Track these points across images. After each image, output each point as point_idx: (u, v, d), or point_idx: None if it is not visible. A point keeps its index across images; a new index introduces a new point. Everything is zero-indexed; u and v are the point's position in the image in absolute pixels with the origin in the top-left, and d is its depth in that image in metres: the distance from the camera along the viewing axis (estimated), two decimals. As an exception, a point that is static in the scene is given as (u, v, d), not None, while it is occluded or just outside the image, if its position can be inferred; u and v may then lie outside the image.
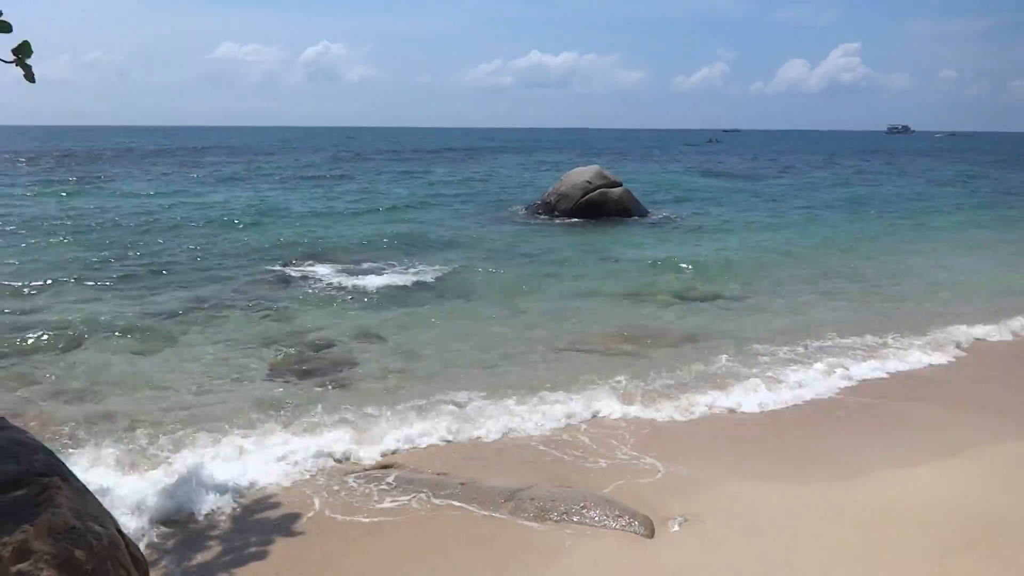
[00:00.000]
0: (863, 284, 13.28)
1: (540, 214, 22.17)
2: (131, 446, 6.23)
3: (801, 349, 9.19)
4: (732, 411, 7.29)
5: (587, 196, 21.50)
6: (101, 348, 8.85)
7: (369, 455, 6.08)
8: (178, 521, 5.02)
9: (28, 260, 14.11)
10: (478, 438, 6.53)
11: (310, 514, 5.20)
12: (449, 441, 6.44)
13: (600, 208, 21.35)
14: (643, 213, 22.45)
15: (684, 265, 14.79)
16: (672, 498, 5.41)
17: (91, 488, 3.65)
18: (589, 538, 4.88)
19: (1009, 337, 10.00)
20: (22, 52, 3.00)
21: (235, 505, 5.25)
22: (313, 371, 8.31)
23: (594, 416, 7.02)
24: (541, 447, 6.41)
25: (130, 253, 15.16)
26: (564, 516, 5.11)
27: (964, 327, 10.06)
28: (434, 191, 30.19)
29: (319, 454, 6.06)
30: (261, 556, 4.66)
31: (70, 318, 10.06)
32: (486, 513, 5.21)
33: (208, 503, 5.22)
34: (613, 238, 18.42)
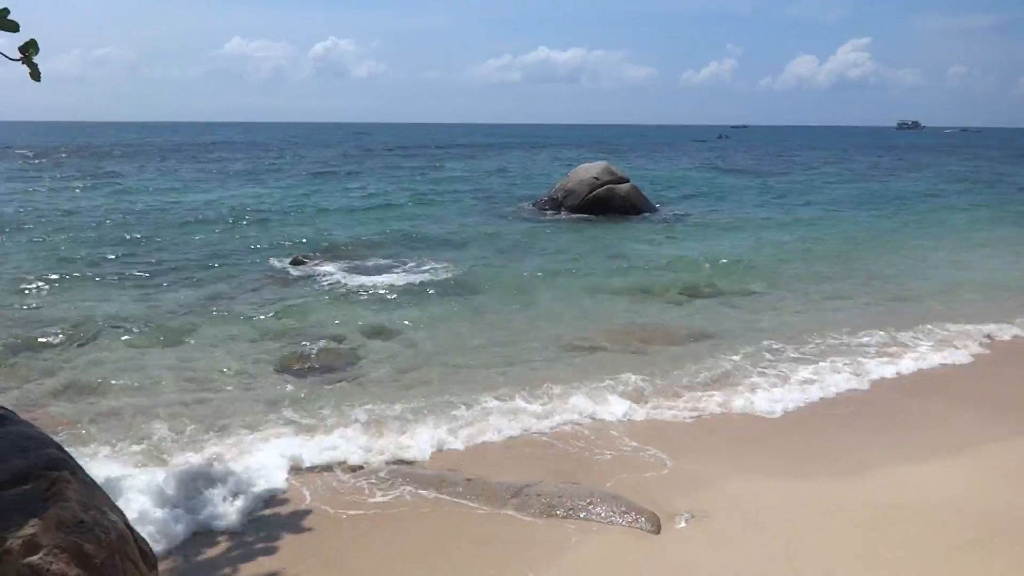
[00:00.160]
0: (876, 281, 13.19)
1: (547, 210, 22.15)
2: (138, 441, 6.27)
3: (810, 347, 9.15)
4: (739, 408, 7.26)
5: (594, 192, 21.46)
6: (109, 344, 8.89)
7: (376, 453, 6.09)
8: (186, 517, 5.04)
9: (38, 255, 14.20)
10: (485, 435, 6.53)
11: (316, 511, 5.21)
12: (456, 438, 6.44)
13: (607, 204, 21.31)
14: (651, 209, 22.41)
15: (691, 262, 14.75)
16: (679, 494, 5.40)
17: (99, 483, 3.68)
18: (595, 534, 4.88)
19: (1024, 335, 9.90)
20: (29, 50, 3.01)
21: (242, 501, 5.26)
22: (321, 369, 8.33)
23: (601, 413, 7.00)
24: (548, 444, 6.41)
25: (138, 249, 15.23)
26: (570, 512, 5.12)
27: (979, 325, 9.99)
28: (442, 187, 30.18)
29: (326, 451, 6.07)
30: (267, 552, 4.68)
31: (78, 314, 10.12)
32: (492, 509, 5.22)
33: (216, 499, 5.24)
34: (620, 235, 18.38)
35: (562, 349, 9.06)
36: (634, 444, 6.39)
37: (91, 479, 3.45)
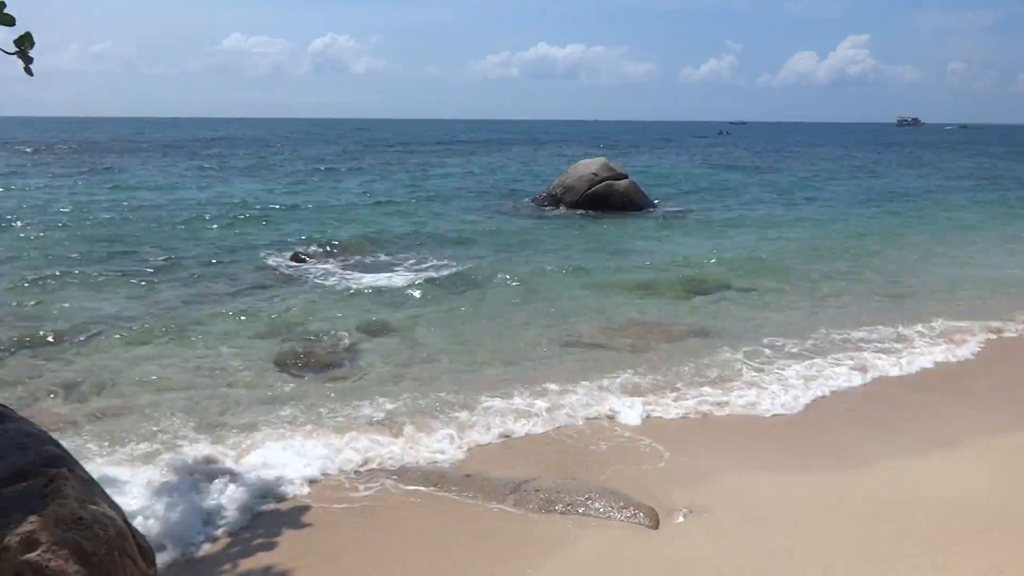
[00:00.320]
0: (878, 277, 13.17)
1: (546, 206, 22.15)
2: (137, 438, 6.26)
3: (811, 342, 9.15)
4: (739, 404, 7.26)
5: (593, 188, 21.46)
6: (108, 341, 8.88)
7: (375, 450, 6.09)
8: (184, 513, 5.04)
9: (36, 252, 14.17)
10: (484, 432, 6.53)
11: (315, 508, 5.22)
12: (455, 435, 6.45)
13: (606, 200, 21.31)
14: (650, 205, 22.41)
15: (691, 258, 14.75)
16: (678, 489, 5.41)
17: (97, 479, 3.68)
18: (594, 529, 4.89)
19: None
20: (24, 43, 3.00)
21: (241, 498, 5.26)
22: (321, 366, 8.33)
23: (600, 410, 7.01)
24: (547, 440, 6.42)
25: (137, 246, 15.20)
26: (569, 507, 5.12)
27: (981, 321, 10.00)
28: (442, 183, 30.18)
29: (326, 449, 6.07)
30: (267, 548, 4.69)
31: (77, 311, 10.11)
32: (490, 505, 5.22)
33: (214, 496, 5.24)
34: (619, 231, 18.38)
35: (561, 345, 9.07)
36: (632, 439, 6.40)
37: (89, 476, 3.45)
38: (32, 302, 10.59)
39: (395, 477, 5.65)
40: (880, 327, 9.76)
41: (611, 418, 6.86)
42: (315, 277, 12.79)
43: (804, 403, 7.34)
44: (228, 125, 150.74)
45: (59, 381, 7.59)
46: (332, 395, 7.34)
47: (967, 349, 9.02)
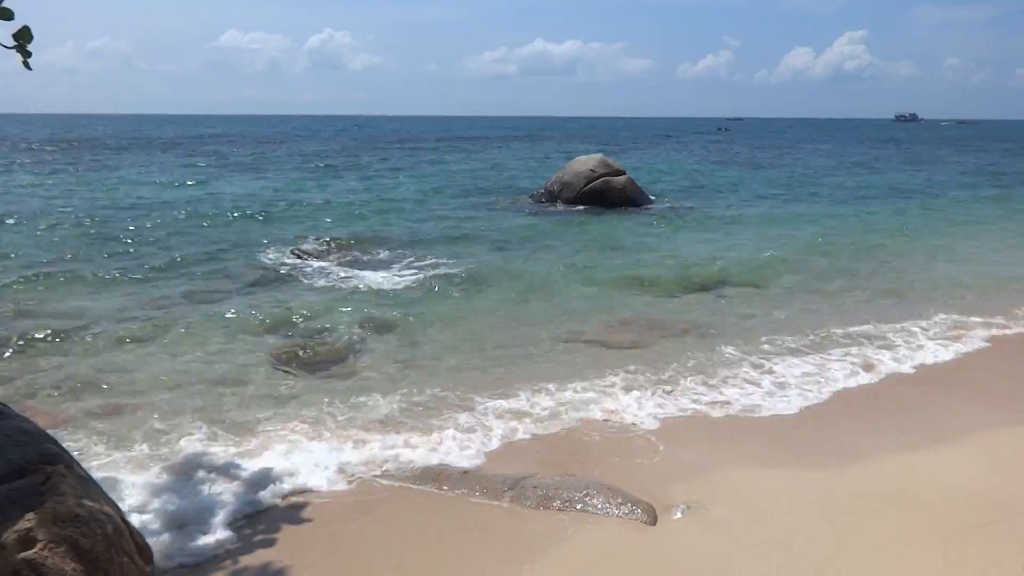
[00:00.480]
0: (879, 274, 13.15)
1: (543, 202, 22.14)
2: (135, 436, 6.25)
3: (810, 339, 9.14)
4: (737, 400, 7.27)
5: (590, 185, 21.44)
6: (106, 339, 8.85)
7: (374, 447, 6.08)
8: (183, 510, 5.04)
9: (32, 249, 14.14)
10: (482, 429, 6.53)
11: (314, 504, 5.22)
12: (453, 432, 6.44)
13: (603, 196, 21.29)
14: (648, 202, 22.40)
15: (689, 255, 14.75)
16: (675, 485, 5.42)
17: (95, 477, 3.68)
18: (592, 525, 4.90)
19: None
20: (22, 37, 2.98)
21: (241, 495, 5.27)
22: (320, 364, 8.31)
23: (598, 407, 7.01)
24: (545, 437, 6.41)
25: (135, 243, 15.17)
26: (567, 504, 5.13)
27: (982, 318, 10.01)
28: (440, 180, 30.14)
29: (324, 446, 6.08)
30: (267, 544, 4.70)
31: (74, 308, 10.09)
32: (488, 501, 5.23)
33: (214, 493, 5.24)
34: (616, 227, 18.36)
35: (559, 342, 9.06)
36: (630, 436, 6.41)
37: (87, 473, 3.45)
38: (29, 299, 10.57)
39: (394, 474, 5.65)
40: (880, 323, 9.76)
41: (609, 415, 6.86)
42: (314, 275, 12.77)
43: (803, 399, 7.34)
44: (225, 122, 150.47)
45: (56, 379, 7.58)
46: (332, 393, 7.32)
47: (968, 345, 9.02)
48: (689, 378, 7.80)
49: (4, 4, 3.01)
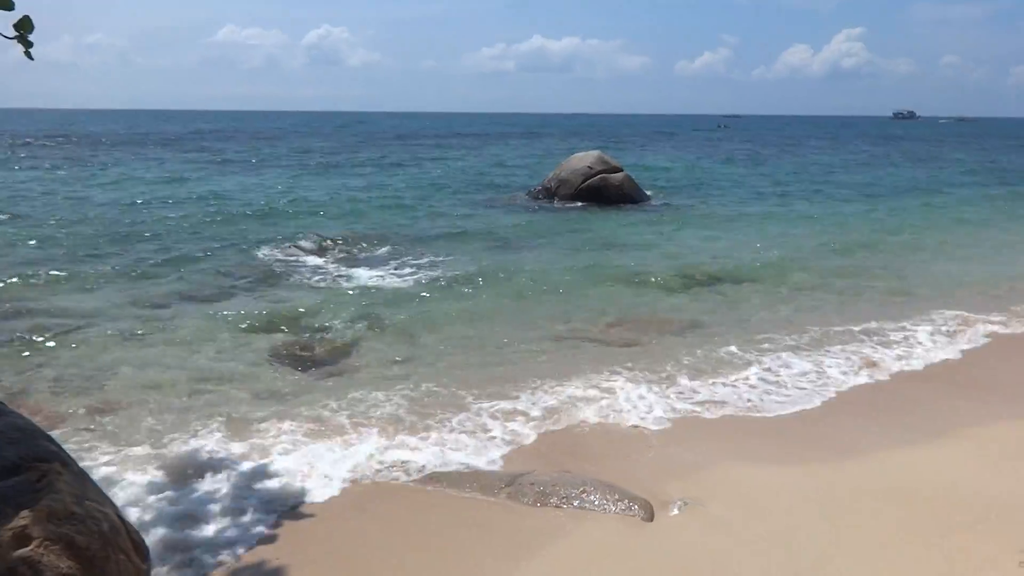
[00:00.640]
0: (878, 272, 13.10)
1: (540, 199, 22.13)
2: (133, 433, 6.24)
3: (808, 336, 9.14)
4: (734, 397, 7.27)
5: (587, 182, 21.42)
6: (102, 337, 8.82)
7: (372, 446, 6.08)
8: (181, 508, 5.03)
9: (29, 247, 14.10)
10: (481, 427, 6.52)
11: (312, 502, 5.22)
12: (452, 430, 6.44)
13: (600, 194, 21.27)
14: (645, 199, 22.39)
15: (686, 252, 14.74)
16: (672, 481, 5.42)
17: (92, 475, 3.66)
18: (589, 522, 4.89)
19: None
20: (23, 27, 2.95)
21: (239, 493, 5.26)
22: (317, 363, 8.29)
23: (595, 404, 7.01)
24: (542, 434, 6.41)
25: (131, 241, 15.11)
26: (564, 500, 5.12)
27: (982, 316, 10.00)
28: (438, 178, 30.08)
29: (322, 444, 6.07)
30: (267, 540, 4.70)
31: (71, 306, 10.06)
32: (486, 498, 5.22)
33: (212, 491, 5.23)
34: (614, 224, 18.35)
35: (557, 339, 9.06)
36: (628, 433, 6.41)
37: (83, 470, 3.43)
38: (25, 297, 10.54)
39: (392, 472, 5.65)
40: (879, 321, 9.76)
41: (607, 412, 6.85)
42: (313, 272, 12.74)
43: (802, 396, 7.34)
44: (222, 118, 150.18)
45: (52, 377, 7.55)
46: (329, 391, 7.30)
47: (968, 343, 9.02)
48: (688, 375, 7.79)
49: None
